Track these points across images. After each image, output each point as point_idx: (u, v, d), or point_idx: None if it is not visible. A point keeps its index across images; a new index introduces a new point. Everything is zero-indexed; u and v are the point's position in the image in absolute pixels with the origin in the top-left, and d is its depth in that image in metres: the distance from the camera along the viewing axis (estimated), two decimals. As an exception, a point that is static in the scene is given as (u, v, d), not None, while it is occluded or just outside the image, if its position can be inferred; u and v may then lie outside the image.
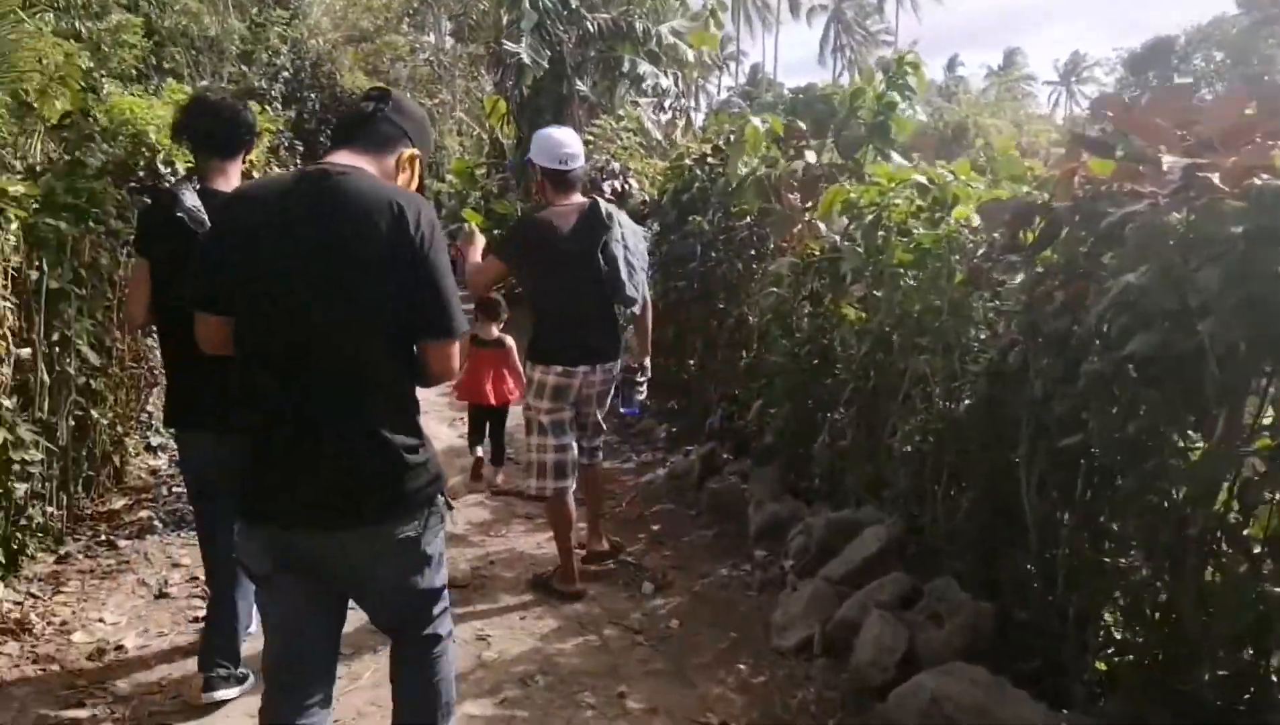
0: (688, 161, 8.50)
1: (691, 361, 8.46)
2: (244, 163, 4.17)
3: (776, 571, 5.44)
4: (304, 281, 2.58)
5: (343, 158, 2.73)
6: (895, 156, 6.37)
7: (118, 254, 6.65)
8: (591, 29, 16.98)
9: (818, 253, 5.99)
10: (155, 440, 7.85)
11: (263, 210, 2.65)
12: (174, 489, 7.00)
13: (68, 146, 6.68)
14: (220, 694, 4.11)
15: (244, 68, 18.04)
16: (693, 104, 17.56)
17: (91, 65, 8.10)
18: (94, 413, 6.20)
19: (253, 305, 2.64)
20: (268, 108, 14.25)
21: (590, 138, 15.43)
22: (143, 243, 4.04)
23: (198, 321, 2.77)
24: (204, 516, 4.23)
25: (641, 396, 5.78)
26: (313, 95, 21.25)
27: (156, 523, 6.33)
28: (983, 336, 4.45)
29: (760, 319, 6.75)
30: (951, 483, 4.53)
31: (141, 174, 7.53)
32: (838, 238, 5.73)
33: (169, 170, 7.64)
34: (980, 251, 4.47)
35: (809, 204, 6.41)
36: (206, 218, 3.78)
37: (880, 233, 5.10)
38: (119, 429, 6.86)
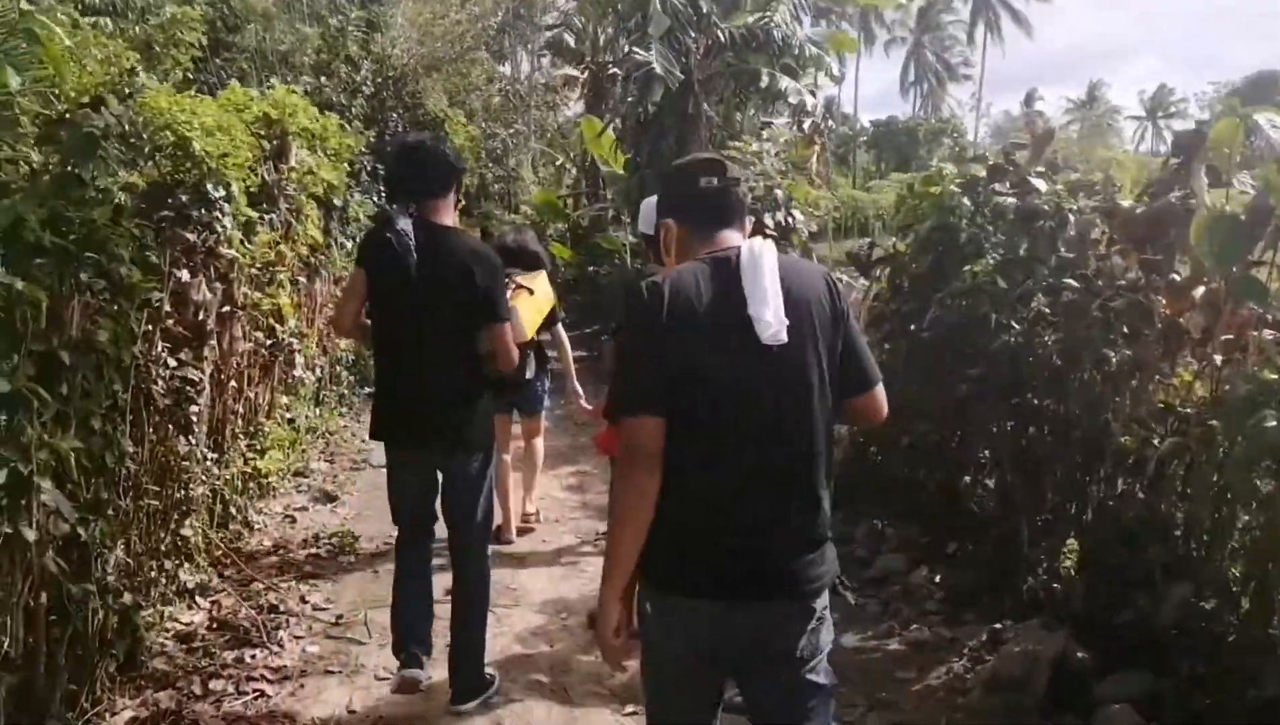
0: (951, 188, 5.92)
1: (974, 480, 5.86)
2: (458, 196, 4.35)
3: None
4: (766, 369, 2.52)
5: (728, 239, 2.69)
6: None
7: (135, 324, 4.28)
8: (723, 38, 14.48)
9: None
10: (193, 579, 5.45)
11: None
12: (221, 664, 4.74)
13: (65, 152, 4.24)
14: None
15: (321, 79, 15.81)
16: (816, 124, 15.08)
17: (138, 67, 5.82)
18: (76, 585, 3.76)
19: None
20: (346, 126, 12.18)
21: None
22: (362, 253, 4.35)
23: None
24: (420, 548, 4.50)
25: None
26: (395, 115, 19.06)
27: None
28: None
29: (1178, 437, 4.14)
30: None
31: (184, 198, 5.26)
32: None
33: (222, 194, 5.47)
34: None
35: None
36: (412, 245, 4.05)
37: None
38: (127, 596, 4.39)
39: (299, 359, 7.91)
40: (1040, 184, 5.19)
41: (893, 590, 5.67)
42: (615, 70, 22.15)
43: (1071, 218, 5.07)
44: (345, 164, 9.75)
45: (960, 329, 5.39)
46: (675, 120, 14.45)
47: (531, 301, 5.74)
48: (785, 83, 14.28)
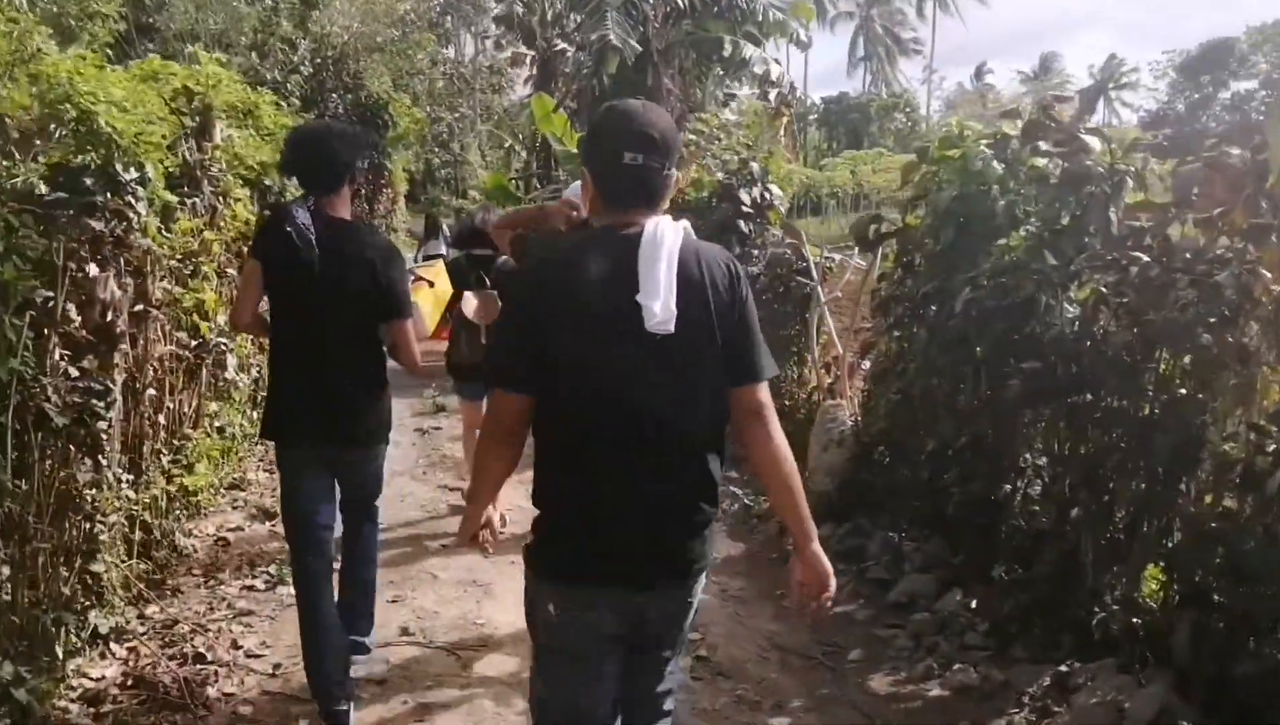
0: (979, 149, 5.16)
1: (1017, 490, 5.04)
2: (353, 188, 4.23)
3: None
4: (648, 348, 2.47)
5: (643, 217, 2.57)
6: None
7: (12, 332, 3.49)
8: (682, 4, 13.68)
9: None
10: (106, 623, 4.64)
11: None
12: None
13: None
14: None
15: (255, 58, 14.90)
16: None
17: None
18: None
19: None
20: (284, 104, 11.36)
21: (692, 138, 12.19)
22: (257, 246, 4.21)
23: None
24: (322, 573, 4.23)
25: None
26: (335, 96, 18.19)
27: None
28: None
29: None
30: None
31: (89, 181, 4.47)
32: None
33: (135, 176, 4.75)
34: None
35: None
36: (314, 239, 3.90)
37: None
38: (7, 667, 3.56)
39: (231, 360, 7.04)
40: (1094, 142, 4.45)
41: (922, 619, 4.94)
42: (565, 46, 21.28)
43: (1129, 181, 4.33)
44: (280, 143, 8.88)
45: (1001, 314, 4.63)
46: (632, 92, 13.62)
47: (430, 294, 5.68)
48: (749, 50, 13.54)
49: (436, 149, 37.91)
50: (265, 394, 4.47)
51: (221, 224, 6.58)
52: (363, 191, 18.35)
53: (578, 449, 2.53)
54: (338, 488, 4.32)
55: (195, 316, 6.13)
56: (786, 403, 7.74)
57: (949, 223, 5.17)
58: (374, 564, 4.60)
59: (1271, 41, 51.60)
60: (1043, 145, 4.80)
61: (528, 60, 23.76)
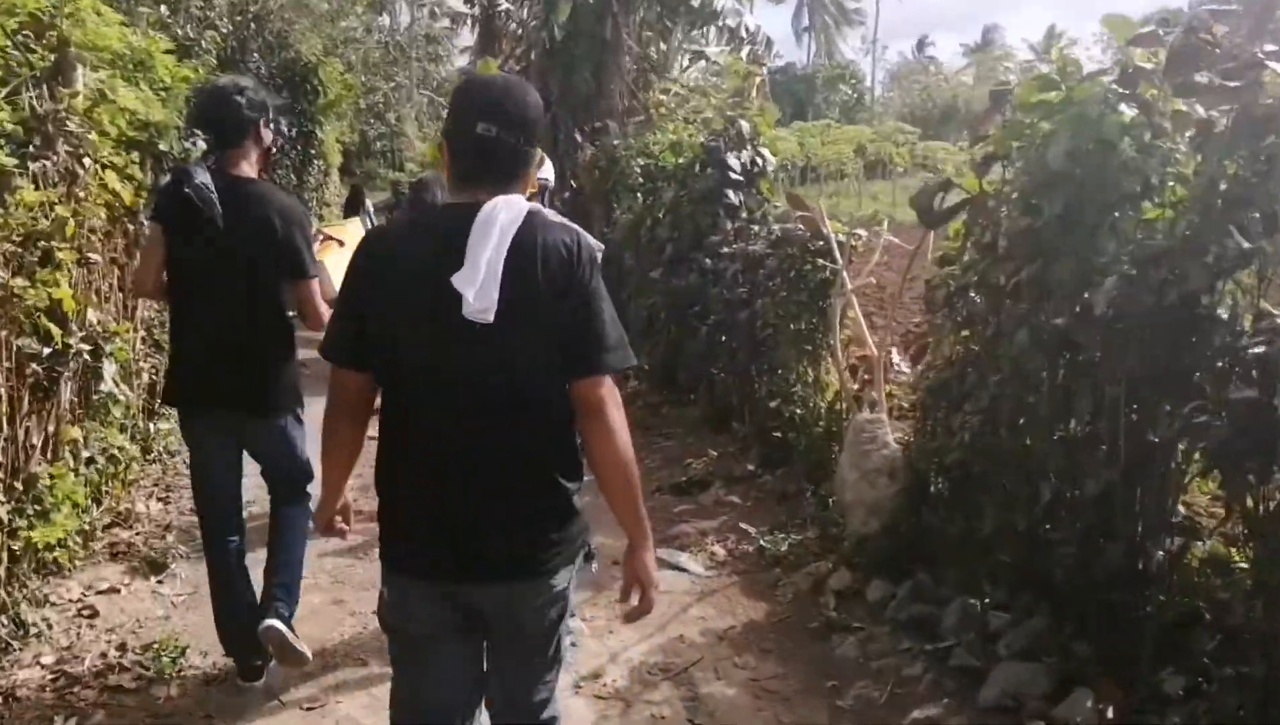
0: (1100, 87, 3.79)
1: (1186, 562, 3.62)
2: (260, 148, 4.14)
3: None
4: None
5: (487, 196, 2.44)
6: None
7: None
8: (645, -56, 12.27)
9: None
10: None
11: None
12: None
13: None
14: None
15: (163, 11, 13.24)
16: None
17: None
18: None
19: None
20: (199, 66, 9.90)
21: (662, 98, 10.82)
22: (158, 208, 4.15)
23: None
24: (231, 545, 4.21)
25: None
26: (257, 56, 16.62)
27: None
28: None
29: None
30: None
31: None
32: None
33: None
34: None
35: None
36: (215, 198, 3.85)
37: None
38: None
39: (108, 368, 5.57)
40: None
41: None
42: (508, 6, 19.85)
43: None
44: (181, 101, 7.33)
45: (1160, 317, 3.28)
46: (590, 47, 12.18)
47: (341, 255, 5.30)
48: (724, 1, 12.10)
49: (372, 120, 36.25)
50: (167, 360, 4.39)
51: (82, 194, 5.06)
52: (290, 161, 16.90)
53: (396, 433, 2.50)
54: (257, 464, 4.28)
55: (45, 318, 4.64)
56: (798, 411, 6.37)
57: (1054, 191, 3.80)
58: (294, 552, 4.27)
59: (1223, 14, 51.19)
60: (1200, 78, 3.46)
61: (468, 21, 22.21)
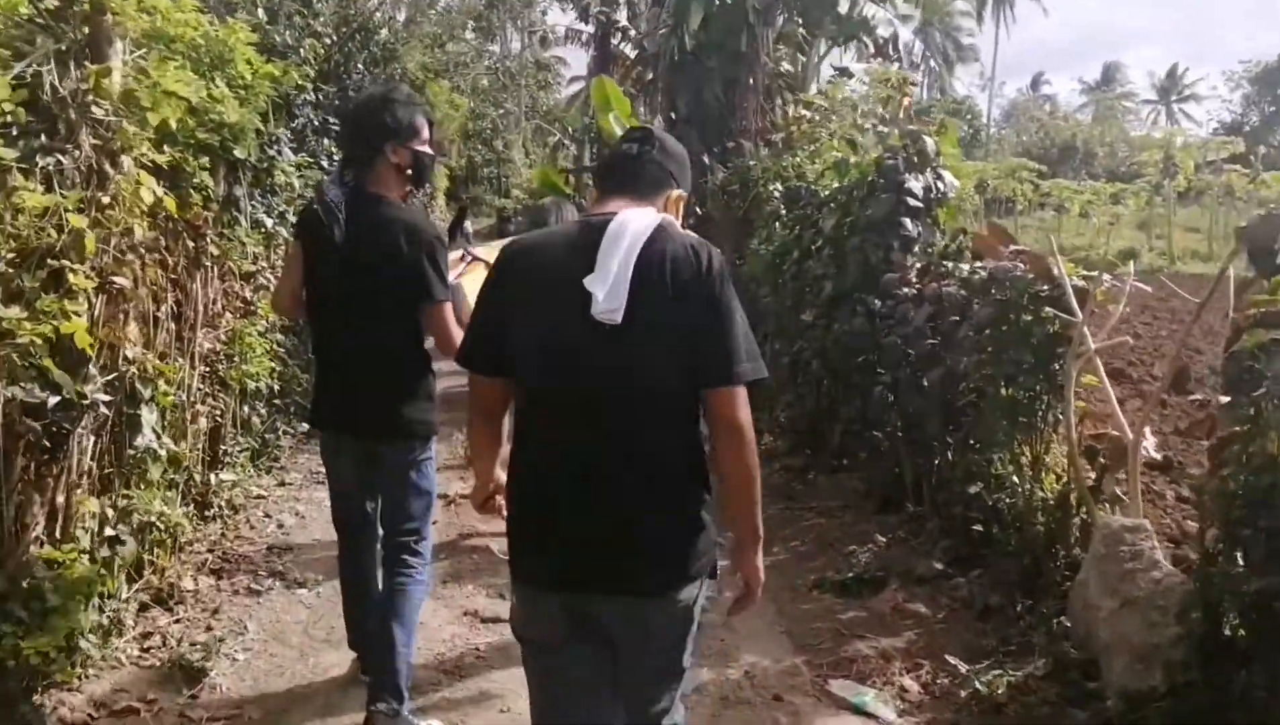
0: None
1: None
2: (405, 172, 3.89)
3: None
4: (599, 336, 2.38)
5: (615, 206, 2.51)
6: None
7: None
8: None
9: None
10: None
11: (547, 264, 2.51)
12: None
13: None
14: None
15: (262, 17, 12.42)
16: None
17: None
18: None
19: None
20: (293, 72, 8.91)
21: (805, 113, 9.58)
22: (299, 224, 4.07)
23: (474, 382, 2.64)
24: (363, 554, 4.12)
25: None
26: (360, 68, 15.78)
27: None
28: None
29: None
30: None
31: None
32: None
33: None
34: None
35: None
36: (341, 216, 3.74)
37: None
38: None
39: (147, 417, 4.48)
40: None
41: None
42: (627, 24, 18.97)
43: None
44: (263, 101, 6.32)
45: None
46: (722, 61, 10.95)
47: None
48: (871, 9, 10.81)
49: (480, 146, 35.70)
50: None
51: (108, 201, 3.93)
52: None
53: (528, 440, 2.50)
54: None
55: (46, 359, 3.52)
56: (1018, 503, 4.98)
57: None
58: (408, 617, 3.92)
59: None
60: None
61: (582, 38, 21.34)
